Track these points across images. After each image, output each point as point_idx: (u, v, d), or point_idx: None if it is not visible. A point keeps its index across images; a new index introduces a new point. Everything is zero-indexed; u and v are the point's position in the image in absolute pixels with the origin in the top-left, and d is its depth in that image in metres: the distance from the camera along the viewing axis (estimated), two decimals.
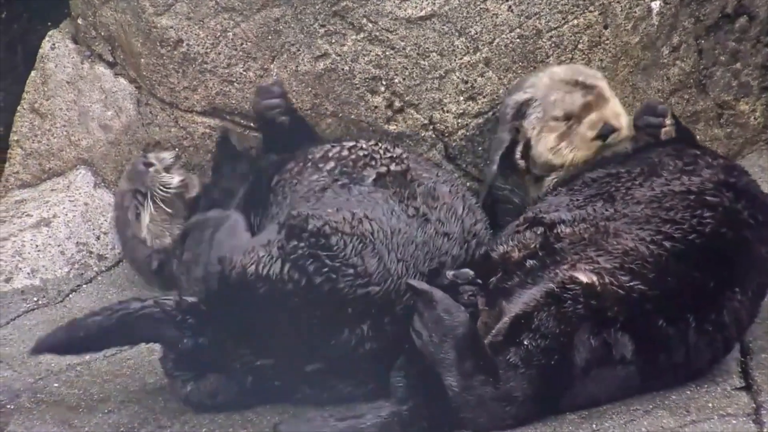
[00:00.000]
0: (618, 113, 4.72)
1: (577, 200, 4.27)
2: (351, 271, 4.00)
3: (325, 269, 4.00)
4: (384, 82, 5.17)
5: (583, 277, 3.81)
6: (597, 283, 3.80)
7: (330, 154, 4.63)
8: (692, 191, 4.11)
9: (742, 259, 3.98)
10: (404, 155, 4.63)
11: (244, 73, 5.28)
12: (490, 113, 5.19)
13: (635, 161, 4.45)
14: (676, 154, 4.39)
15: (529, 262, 3.96)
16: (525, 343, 3.72)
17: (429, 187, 4.38)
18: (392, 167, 4.49)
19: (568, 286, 3.78)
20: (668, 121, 4.63)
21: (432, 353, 3.75)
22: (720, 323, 3.88)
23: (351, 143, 4.70)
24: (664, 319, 3.79)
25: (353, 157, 4.59)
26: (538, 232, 4.08)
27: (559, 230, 4.05)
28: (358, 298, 3.99)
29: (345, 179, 4.47)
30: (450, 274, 4.00)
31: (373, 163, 4.54)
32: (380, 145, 4.71)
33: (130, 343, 4.48)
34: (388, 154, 4.60)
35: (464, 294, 3.92)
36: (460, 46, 5.13)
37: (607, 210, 4.12)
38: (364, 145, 4.68)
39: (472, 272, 3.97)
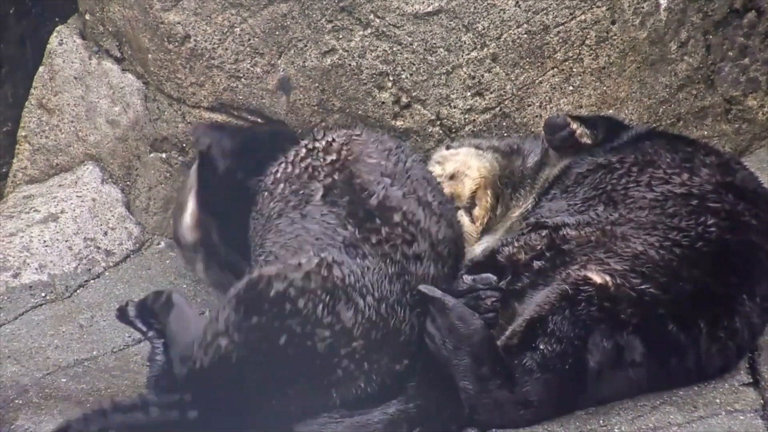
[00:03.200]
0: (466, 179, 4.88)
1: (576, 204, 4.26)
2: (327, 333, 3.69)
3: (297, 338, 3.67)
4: (391, 78, 5.17)
5: (597, 278, 3.79)
6: (610, 283, 3.78)
7: (279, 175, 4.38)
8: (693, 194, 4.09)
9: (750, 263, 3.96)
10: (343, 151, 4.30)
11: (252, 68, 5.28)
12: (497, 109, 5.19)
13: (627, 150, 4.45)
14: (671, 147, 4.38)
15: (537, 263, 3.95)
16: (541, 347, 3.71)
17: (381, 197, 4.07)
18: (336, 176, 4.18)
19: (581, 287, 3.77)
20: (575, 126, 4.68)
21: (446, 358, 3.73)
22: (732, 330, 3.86)
23: (293, 153, 4.43)
24: (676, 324, 3.78)
25: (297, 171, 4.32)
26: (543, 234, 4.06)
27: (564, 232, 4.04)
28: (343, 357, 3.71)
29: (295, 199, 4.20)
30: (469, 278, 3.90)
31: (316, 174, 4.24)
32: (318, 142, 4.40)
33: None
34: (328, 158, 4.28)
35: (487, 299, 3.85)
36: (467, 42, 5.13)
37: (610, 215, 4.11)
38: (303, 151, 4.39)
39: (494, 277, 3.89)
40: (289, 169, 4.37)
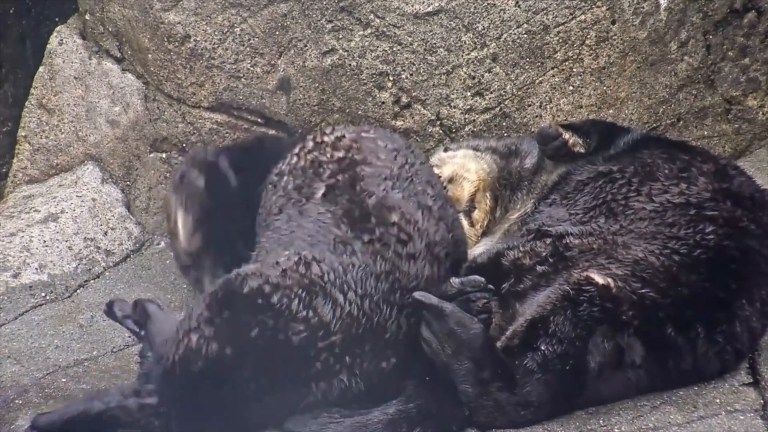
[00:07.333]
0: (465, 182, 4.88)
1: (577, 213, 4.27)
2: (302, 326, 3.71)
3: (270, 331, 3.69)
4: (391, 78, 5.17)
5: (599, 279, 3.80)
6: (612, 285, 3.79)
7: (284, 167, 4.35)
8: (691, 204, 4.10)
9: (748, 268, 3.97)
10: (352, 149, 4.27)
11: (252, 68, 5.28)
12: (497, 109, 5.19)
13: (626, 159, 4.46)
14: (669, 156, 4.39)
15: (540, 268, 3.96)
16: (542, 348, 3.71)
17: (380, 197, 4.07)
18: (339, 177, 4.16)
19: (583, 288, 3.78)
20: (567, 135, 4.69)
21: (445, 363, 3.74)
22: (731, 334, 3.87)
23: (300, 145, 4.39)
24: (674, 327, 3.79)
25: (302, 164, 4.29)
26: (548, 242, 4.08)
27: (568, 241, 4.06)
28: (321, 351, 3.72)
29: (297, 196, 4.19)
30: (457, 282, 3.88)
31: (321, 170, 4.21)
32: (327, 137, 4.36)
33: None
34: (336, 155, 4.26)
35: (478, 301, 3.83)
36: (467, 42, 5.13)
37: (612, 226, 4.12)
38: (310, 144, 4.35)
39: (482, 279, 3.87)
40: (294, 161, 4.34)
